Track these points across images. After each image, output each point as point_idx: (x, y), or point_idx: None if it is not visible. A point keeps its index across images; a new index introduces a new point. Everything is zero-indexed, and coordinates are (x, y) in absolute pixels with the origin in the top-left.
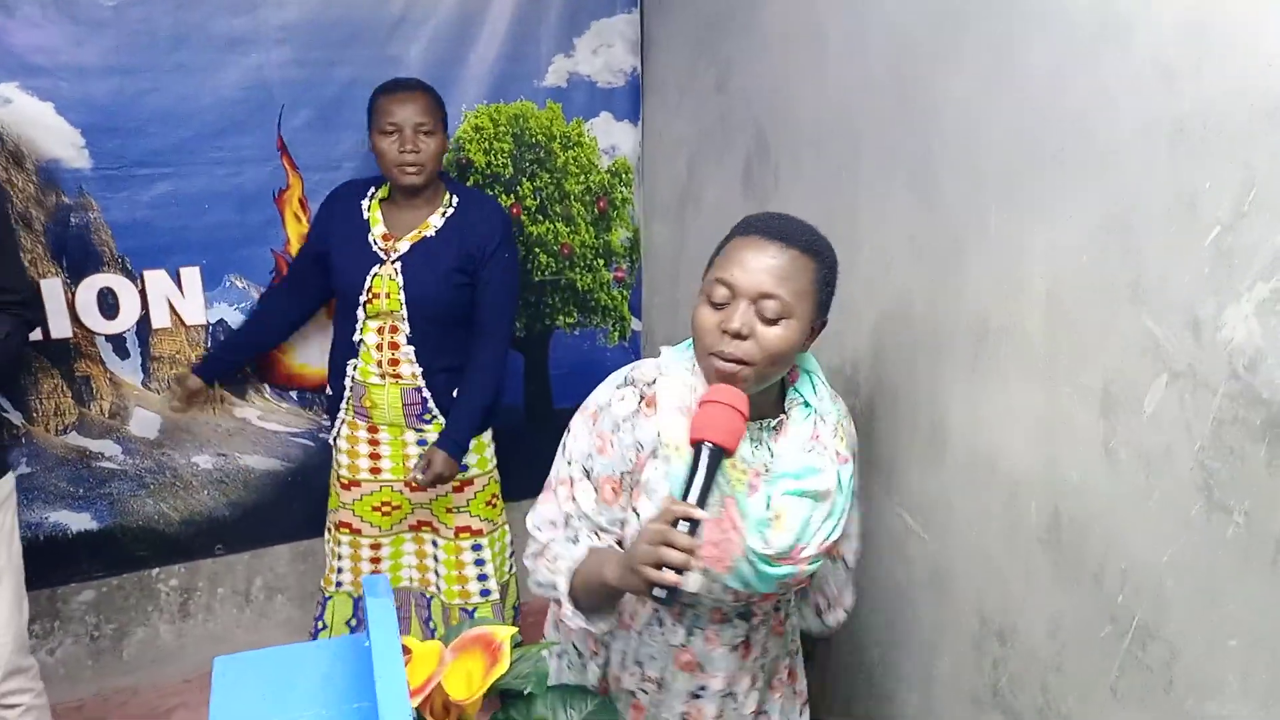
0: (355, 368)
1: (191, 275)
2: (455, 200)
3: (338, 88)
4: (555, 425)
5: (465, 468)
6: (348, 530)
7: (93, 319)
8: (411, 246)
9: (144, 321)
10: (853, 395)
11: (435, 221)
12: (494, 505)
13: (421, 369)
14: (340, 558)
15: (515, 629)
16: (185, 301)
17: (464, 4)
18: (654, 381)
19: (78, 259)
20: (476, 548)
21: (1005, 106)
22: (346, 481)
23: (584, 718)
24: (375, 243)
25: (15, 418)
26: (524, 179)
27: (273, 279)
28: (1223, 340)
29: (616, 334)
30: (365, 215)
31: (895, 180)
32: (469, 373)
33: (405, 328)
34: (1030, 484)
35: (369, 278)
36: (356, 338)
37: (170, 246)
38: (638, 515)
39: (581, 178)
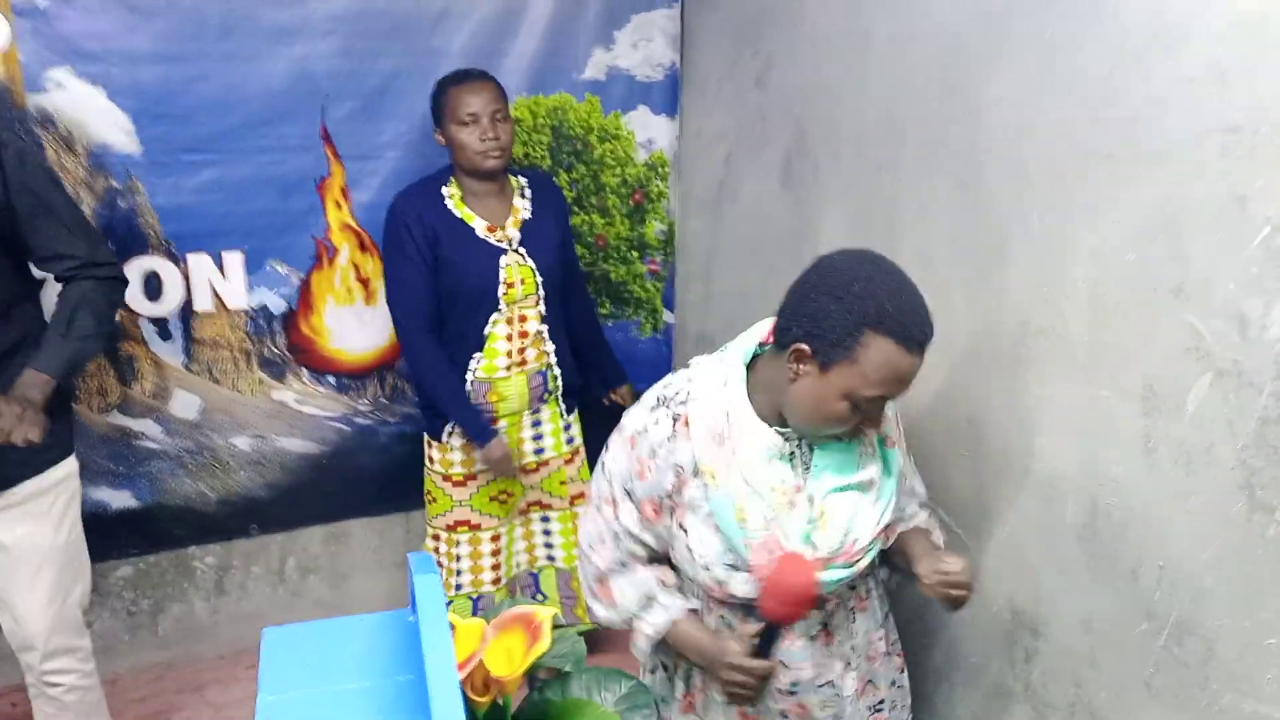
0: (479, 364)
1: (234, 260)
2: (523, 180)
3: (381, 78)
4: (587, 415)
5: (572, 440)
6: (467, 528)
7: (137, 301)
8: (519, 231)
9: (187, 304)
10: None
11: (522, 204)
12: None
13: (554, 346)
14: (458, 559)
15: (556, 610)
16: (227, 285)
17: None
18: (686, 401)
19: (124, 242)
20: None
21: (1053, 108)
22: (461, 478)
23: (618, 699)
24: (486, 237)
25: (74, 388)
26: (561, 170)
27: (313, 264)
28: (1270, 339)
29: (649, 326)
30: (457, 214)
31: (938, 179)
32: (593, 334)
33: (537, 311)
34: (1068, 481)
35: (500, 269)
36: (486, 332)
37: (214, 231)
38: (685, 531)
39: (618, 170)
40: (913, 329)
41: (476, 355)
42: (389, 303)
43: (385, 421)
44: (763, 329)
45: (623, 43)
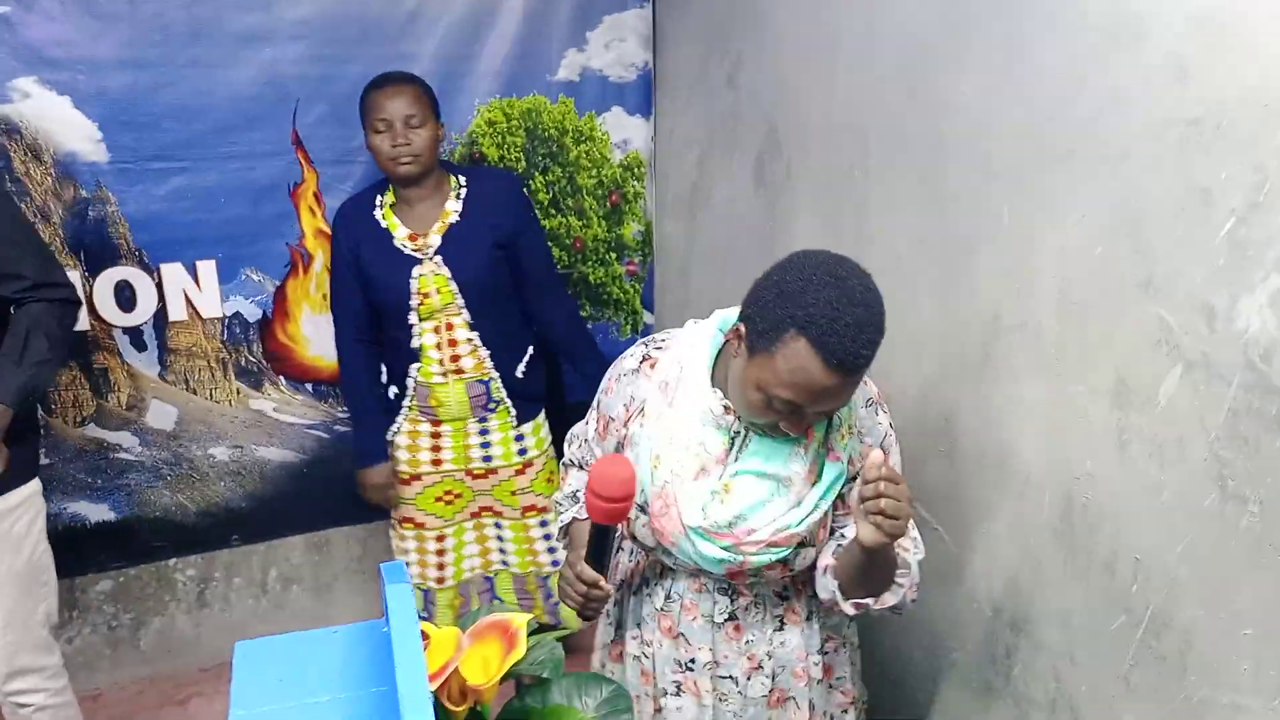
0: (417, 370)
1: (208, 268)
2: (463, 180)
3: (351, 83)
4: (568, 417)
5: (524, 451)
6: (411, 525)
7: (110, 311)
8: (442, 237)
9: (161, 314)
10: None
11: (453, 206)
12: (553, 482)
13: (489, 353)
14: (406, 553)
15: (530, 615)
16: (201, 295)
17: (476, 2)
18: (661, 346)
19: (95, 252)
20: (543, 523)
21: (1016, 105)
22: (407, 476)
23: (598, 704)
24: (404, 246)
25: (35, 410)
26: (536, 173)
27: (288, 272)
28: (1237, 331)
29: (629, 327)
30: (383, 224)
31: (906, 178)
32: (561, 331)
33: (462, 319)
34: (1042, 477)
35: (412, 280)
36: (416, 343)
37: (186, 240)
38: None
39: (594, 172)
40: (836, 344)
41: (415, 365)
42: (333, 315)
43: None
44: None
45: (595, 43)
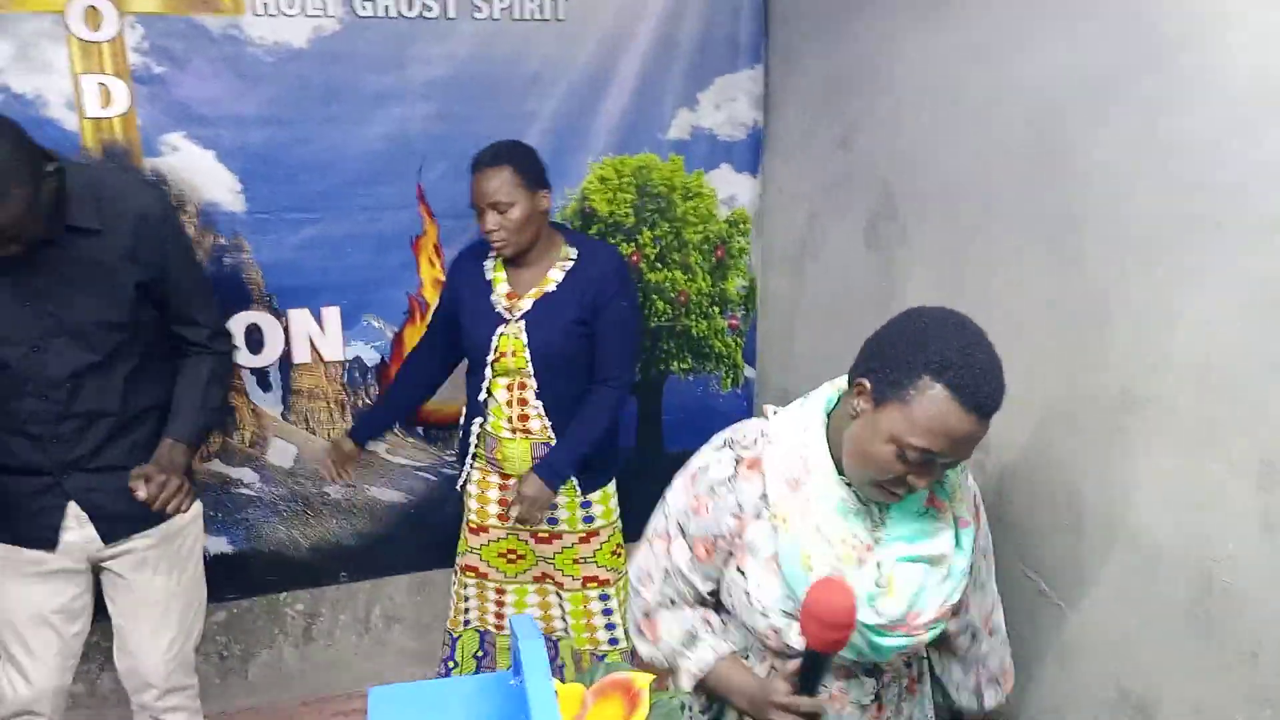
0: (486, 422)
1: (332, 314)
2: (575, 252)
3: (474, 140)
4: (667, 469)
5: (590, 519)
6: (474, 574)
7: (240, 353)
8: (534, 303)
9: (286, 356)
10: (981, 453)
11: (555, 276)
12: (619, 555)
13: (551, 423)
14: (467, 599)
15: (654, 675)
16: (325, 339)
17: (595, 62)
18: (754, 444)
19: (229, 297)
20: (604, 597)
21: (1156, 173)
22: (475, 526)
23: None
24: (499, 303)
25: None
26: (645, 228)
27: (406, 319)
28: None
29: (729, 380)
30: (489, 276)
31: (1033, 244)
32: (582, 407)
33: (533, 384)
34: (1176, 556)
35: (495, 338)
36: (482, 396)
37: (313, 287)
38: (743, 575)
39: (700, 227)
40: (974, 387)
41: (480, 417)
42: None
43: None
44: (845, 380)
45: (706, 103)
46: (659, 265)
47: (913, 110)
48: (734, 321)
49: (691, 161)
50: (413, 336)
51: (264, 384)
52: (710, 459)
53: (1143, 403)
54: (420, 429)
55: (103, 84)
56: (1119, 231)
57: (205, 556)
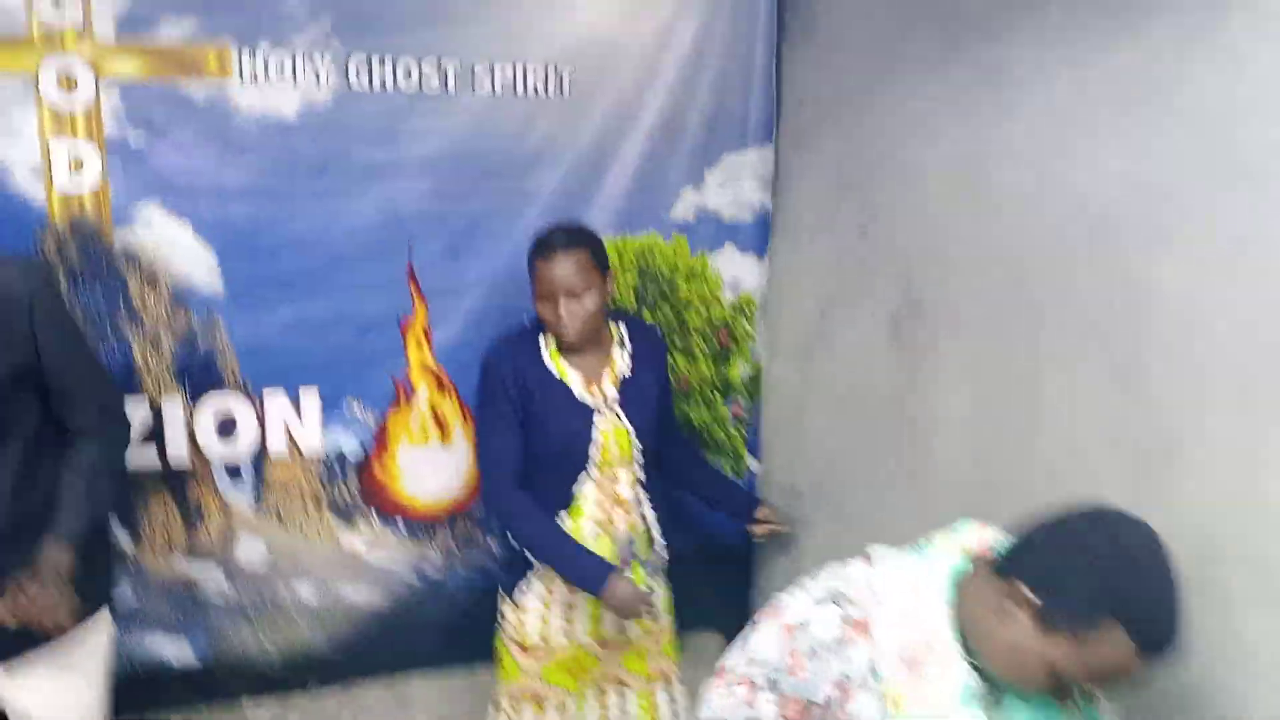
0: (565, 524)
1: (310, 398)
2: (622, 329)
3: (469, 219)
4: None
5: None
6: (530, 699)
7: (210, 442)
8: (619, 389)
9: (260, 445)
10: None
11: (620, 356)
12: (674, 644)
13: (650, 511)
14: None
15: None
16: (302, 426)
17: (599, 139)
18: (867, 603)
19: (200, 380)
20: (670, 696)
21: (1236, 302)
22: (535, 646)
23: None
24: (581, 395)
25: (123, 540)
26: (646, 310)
27: (390, 405)
28: None
29: (730, 471)
30: (550, 367)
31: (1093, 367)
32: (701, 469)
33: (630, 474)
34: None
35: (595, 430)
36: (575, 490)
37: (292, 369)
38: None
39: (703, 311)
40: (1158, 637)
41: (561, 513)
42: (479, 457)
43: (455, 571)
44: (970, 536)
45: (712, 182)
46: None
47: (942, 203)
48: (737, 410)
49: (696, 243)
50: (396, 423)
51: (235, 476)
52: (811, 614)
53: (1228, 556)
54: (402, 523)
55: (73, 151)
56: (1192, 363)
57: (161, 662)
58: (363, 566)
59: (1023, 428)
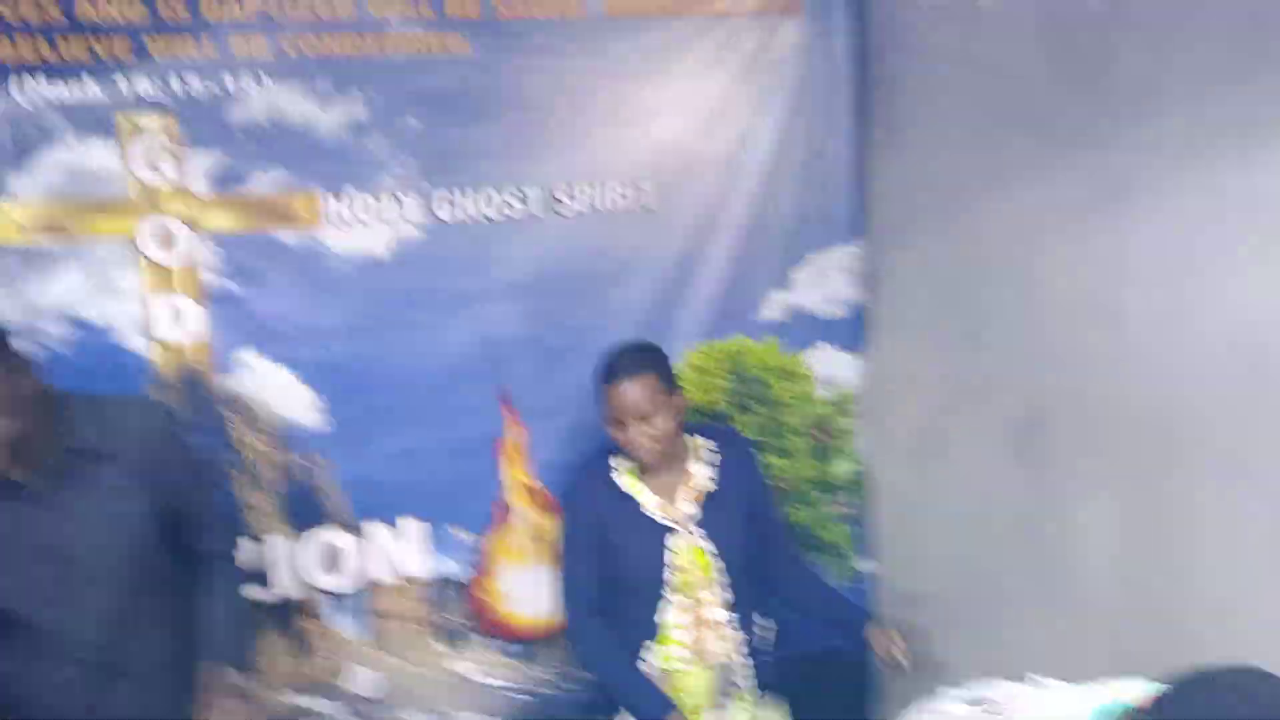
0: (652, 654)
1: (413, 528)
2: (704, 442)
3: (560, 338)
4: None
5: None
6: None
7: (315, 574)
8: (700, 507)
9: (365, 576)
10: None
11: (700, 470)
12: None
13: (743, 637)
14: None
15: None
16: (406, 555)
17: (684, 248)
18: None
19: (303, 516)
20: None
21: None
22: None
23: None
24: (655, 514)
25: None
26: (740, 413)
27: (490, 527)
28: None
29: (837, 573)
30: (627, 490)
31: (1259, 507)
32: (819, 590)
33: (717, 598)
34: None
35: (668, 552)
36: (658, 618)
37: (393, 501)
38: None
39: (799, 409)
40: None
41: (648, 643)
42: (560, 590)
43: (567, 690)
44: (1129, 688)
45: (800, 282)
46: (757, 451)
47: (1062, 315)
48: (841, 508)
49: (788, 341)
50: (497, 545)
51: (341, 608)
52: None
53: None
54: (511, 645)
55: (174, 305)
56: None
57: None
58: (474, 689)
59: (1184, 567)
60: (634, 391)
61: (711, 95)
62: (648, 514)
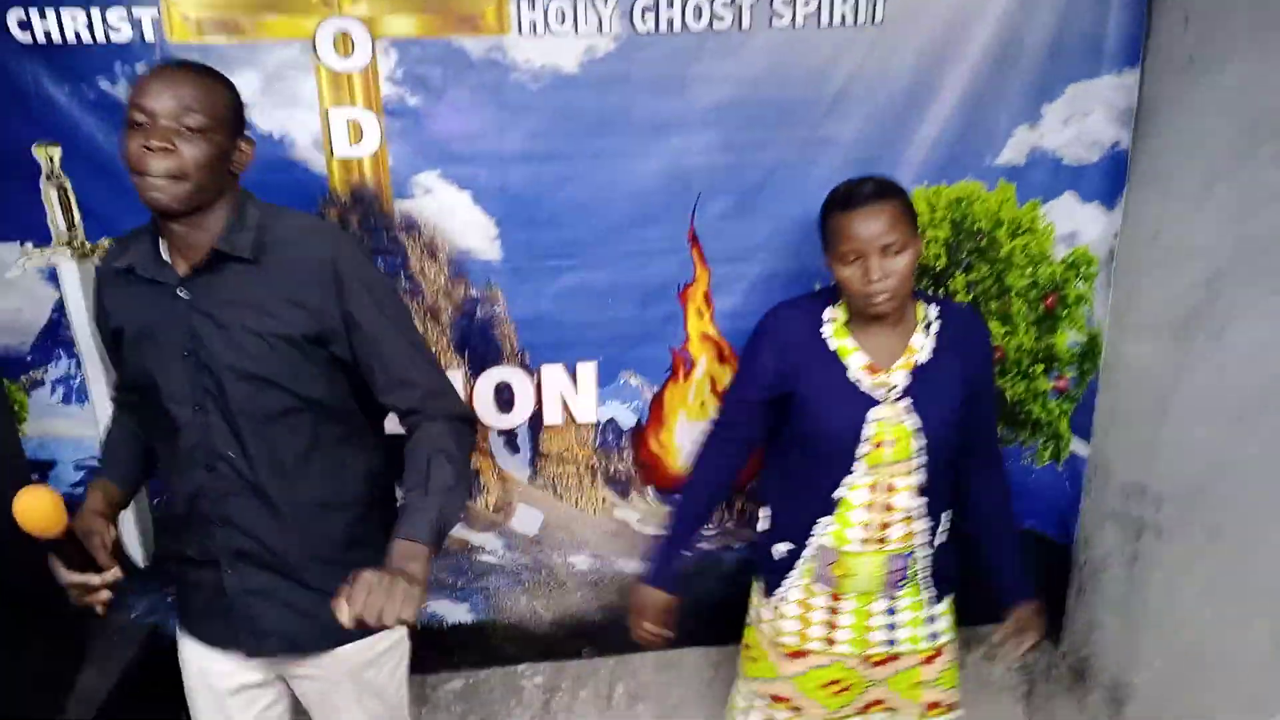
0: (828, 530)
1: (587, 371)
2: (931, 310)
3: (760, 173)
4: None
5: (935, 636)
6: (785, 706)
7: (488, 413)
8: (911, 376)
9: (537, 417)
10: None
11: (921, 341)
12: (954, 673)
13: (927, 524)
14: None
15: None
16: (578, 398)
17: (916, 73)
18: None
19: (479, 352)
20: None
21: None
22: (793, 650)
23: None
24: (860, 380)
25: None
26: (958, 271)
27: (668, 377)
28: None
29: (1048, 453)
30: (832, 347)
31: None
32: (995, 499)
33: (912, 481)
34: None
35: (868, 425)
36: (840, 494)
37: (569, 341)
38: None
39: (1028, 270)
40: None
41: (825, 520)
42: (718, 407)
43: (730, 547)
44: None
45: (1051, 118)
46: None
47: None
48: (1061, 384)
49: (1026, 190)
50: (672, 396)
51: (511, 446)
52: None
53: None
54: (677, 497)
55: (352, 119)
56: None
57: (442, 625)
58: (636, 539)
59: None
60: (877, 220)
61: None
62: (852, 379)
